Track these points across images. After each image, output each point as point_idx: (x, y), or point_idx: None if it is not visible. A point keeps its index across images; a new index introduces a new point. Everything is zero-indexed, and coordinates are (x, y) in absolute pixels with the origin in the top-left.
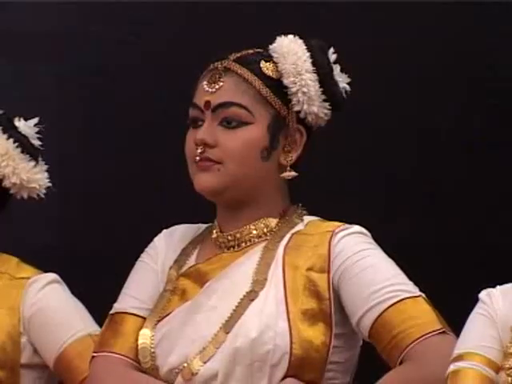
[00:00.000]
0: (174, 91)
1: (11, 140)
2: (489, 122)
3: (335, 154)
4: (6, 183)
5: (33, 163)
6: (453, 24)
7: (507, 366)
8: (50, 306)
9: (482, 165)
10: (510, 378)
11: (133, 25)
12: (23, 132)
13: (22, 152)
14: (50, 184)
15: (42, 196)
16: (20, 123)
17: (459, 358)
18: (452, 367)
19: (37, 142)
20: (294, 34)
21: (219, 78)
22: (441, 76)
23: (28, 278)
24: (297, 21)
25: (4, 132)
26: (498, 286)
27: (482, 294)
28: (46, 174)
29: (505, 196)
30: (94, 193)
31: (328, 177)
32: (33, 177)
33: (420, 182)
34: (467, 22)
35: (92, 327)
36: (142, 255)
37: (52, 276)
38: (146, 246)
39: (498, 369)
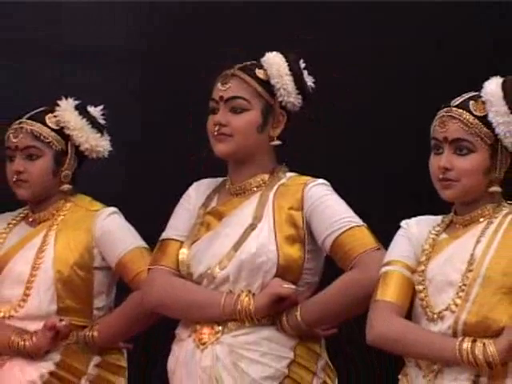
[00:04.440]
0: (174, 91)
1: (84, 119)
2: None
3: (335, 154)
4: (82, 148)
5: (99, 134)
6: (453, 24)
7: (419, 269)
8: (112, 229)
9: None
10: (420, 278)
11: (133, 25)
12: (93, 114)
13: (92, 127)
14: (111, 148)
15: (106, 157)
16: (91, 109)
17: (387, 263)
18: (383, 269)
19: (102, 121)
20: (294, 34)
21: (229, 80)
22: (441, 76)
23: (97, 210)
24: (297, 21)
25: (80, 114)
26: (413, 218)
27: (402, 223)
28: (108, 142)
29: (504, 196)
30: (97, 192)
31: (328, 177)
32: (99, 143)
33: (420, 181)
34: (467, 22)
35: (140, 242)
36: (181, 200)
37: (113, 209)
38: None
39: (413, 271)
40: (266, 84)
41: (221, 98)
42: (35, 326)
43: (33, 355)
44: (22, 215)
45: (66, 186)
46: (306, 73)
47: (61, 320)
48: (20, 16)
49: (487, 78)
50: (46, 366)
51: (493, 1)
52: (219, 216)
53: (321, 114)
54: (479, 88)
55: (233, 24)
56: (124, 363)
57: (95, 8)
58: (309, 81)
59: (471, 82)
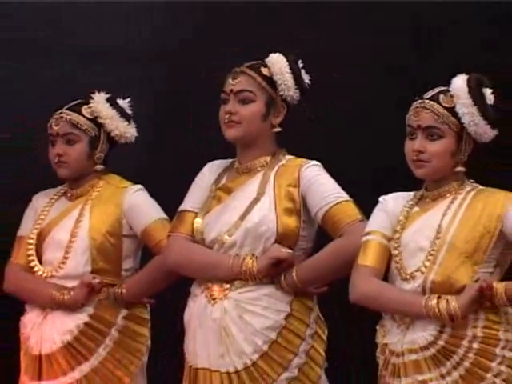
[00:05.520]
0: (174, 91)
1: (114, 110)
2: None
3: (335, 154)
4: (112, 134)
5: (127, 123)
6: (453, 24)
7: (395, 237)
8: (138, 203)
9: (481, 165)
10: (396, 244)
11: (133, 25)
12: (121, 106)
13: (121, 117)
14: (137, 134)
15: (133, 142)
16: (120, 101)
17: (368, 233)
18: (364, 238)
19: (129, 111)
20: (294, 34)
21: (238, 76)
22: (440, 76)
23: (126, 187)
24: (297, 21)
25: (110, 106)
26: (390, 194)
27: (380, 199)
28: (135, 129)
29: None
30: None
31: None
32: (127, 130)
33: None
34: (467, 22)
35: (162, 215)
36: (196, 178)
37: (140, 186)
38: None
39: (389, 239)
40: (270, 80)
41: (231, 90)
42: (73, 283)
43: (70, 307)
44: (62, 191)
45: (99, 167)
46: (303, 71)
47: (94, 278)
48: (20, 16)
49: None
50: (82, 318)
51: (493, 1)
52: (228, 191)
53: (321, 114)
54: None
55: (233, 24)
56: (147, 316)
57: (95, 8)
58: (306, 78)
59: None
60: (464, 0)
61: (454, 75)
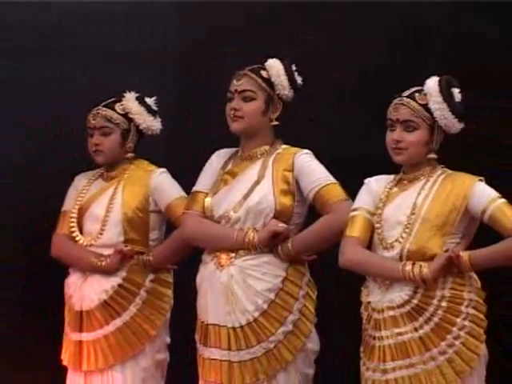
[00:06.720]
0: (174, 91)
1: (142, 107)
2: (488, 124)
3: (336, 154)
4: (141, 127)
5: (153, 117)
6: (452, 24)
7: (377, 213)
8: (163, 183)
9: (481, 164)
10: (378, 219)
11: (133, 25)
12: (148, 103)
13: (148, 112)
14: (161, 127)
15: (159, 133)
16: (147, 99)
17: (354, 209)
18: (351, 214)
19: (155, 108)
20: (294, 34)
21: (241, 78)
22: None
23: (152, 170)
24: (297, 21)
25: (139, 103)
26: (374, 176)
27: (365, 180)
28: (160, 123)
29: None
30: None
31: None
32: (153, 124)
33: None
34: (467, 22)
35: (182, 193)
36: (206, 164)
37: (164, 169)
38: None
39: (372, 215)
40: (268, 81)
41: (235, 90)
42: (108, 251)
43: (107, 272)
44: (99, 173)
45: (130, 154)
46: (296, 73)
47: (126, 246)
48: (20, 16)
49: (487, 79)
50: (116, 280)
51: (493, 1)
52: (233, 175)
53: (321, 114)
54: (478, 89)
55: (233, 24)
56: (171, 279)
57: (95, 8)
58: (299, 79)
59: (471, 82)
60: (464, 0)
61: (454, 75)
